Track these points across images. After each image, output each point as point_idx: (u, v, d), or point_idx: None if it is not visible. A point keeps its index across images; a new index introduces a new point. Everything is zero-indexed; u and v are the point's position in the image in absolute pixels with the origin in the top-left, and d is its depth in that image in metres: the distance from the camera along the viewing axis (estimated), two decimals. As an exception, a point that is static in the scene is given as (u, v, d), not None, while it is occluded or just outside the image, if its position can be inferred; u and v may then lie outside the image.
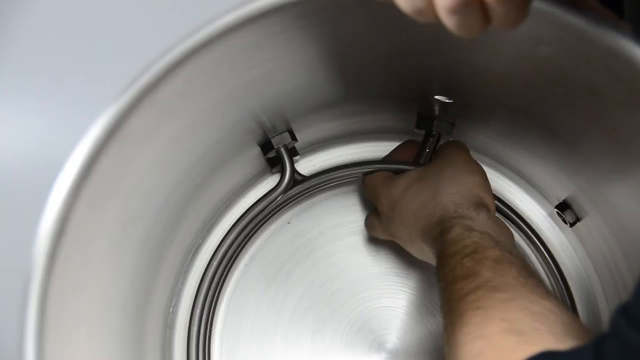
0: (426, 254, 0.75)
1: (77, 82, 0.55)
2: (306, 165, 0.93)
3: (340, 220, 0.95)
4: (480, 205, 0.71)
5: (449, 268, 0.65)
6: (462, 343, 0.57)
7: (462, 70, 0.70)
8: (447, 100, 0.78)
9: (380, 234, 0.87)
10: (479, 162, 0.80)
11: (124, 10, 0.57)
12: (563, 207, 0.89)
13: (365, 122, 0.89)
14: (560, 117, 0.68)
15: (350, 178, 0.91)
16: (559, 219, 0.91)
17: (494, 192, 0.82)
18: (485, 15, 0.47)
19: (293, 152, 0.88)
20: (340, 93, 0.76)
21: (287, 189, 0.86)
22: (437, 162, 0.79)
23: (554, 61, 0.59)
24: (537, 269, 0.92)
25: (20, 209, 0.54)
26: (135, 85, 0.51)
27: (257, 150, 0.84)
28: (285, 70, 0.65)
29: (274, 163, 0.89)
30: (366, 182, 0.87)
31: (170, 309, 0.89)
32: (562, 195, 0.88)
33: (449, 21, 0.47)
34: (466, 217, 0.69)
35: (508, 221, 0.90)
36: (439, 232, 0.69)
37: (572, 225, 0.89)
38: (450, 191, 0.73)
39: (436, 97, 0.78)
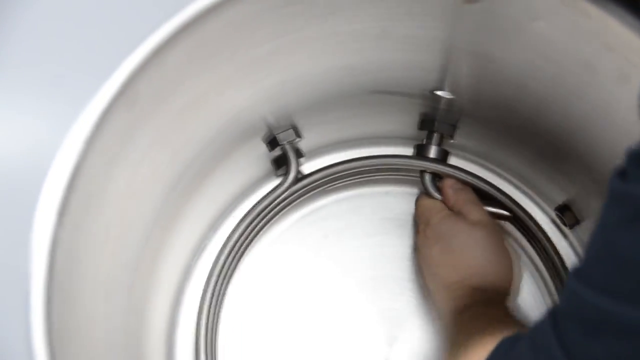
0: (436, 300, 0.85)
1: (77, 82, 0.55)
2: (310, 169, 0.94)
3: (345, 223, 0.96)
4: (497, 298, 0.79)
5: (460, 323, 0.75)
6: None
7: (461, 60, 0.72)
8: (447, 96, 0.80)
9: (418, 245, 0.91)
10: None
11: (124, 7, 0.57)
12: (563, 210, 0.90)
13: (368, 124, 0.90)
14: (552, 97, 0.70)
15: (352, 178, 0.93)
16: (562, 221, 0.91)
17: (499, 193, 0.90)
18: None
19: (299, 154, 0.89)
20: (340, 84, 0.78)
21: (291, 184, 0.88)
22: (485, 236, 0.83)
23: (548, 37, 0.61)
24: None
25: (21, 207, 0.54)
26: (142, 48, 0.53)
27: (262, 149, 0.86)
28: (287, 52, 0.68)
29: (279, 165, 0.90)
30: (418, 204, 0.90)
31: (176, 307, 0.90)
32: (560, 199, 0.90)
33: None
34: (482, 302, 0.77)
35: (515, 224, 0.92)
36: (459, 301, 0.78)
37: (571, 227, 0.90)
38: (485, 275, 0.81)
39: (436, 92, 0.80)
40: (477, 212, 0.85)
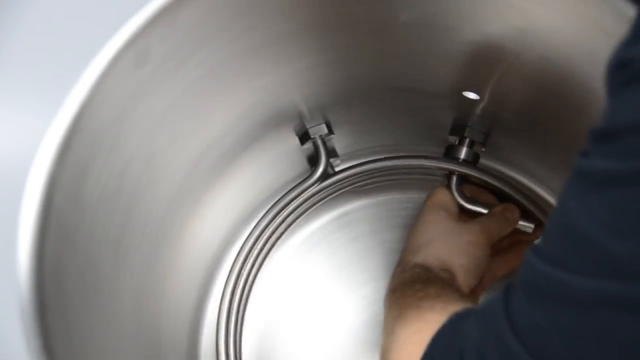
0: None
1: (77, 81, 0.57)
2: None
3: (374, 227, 0.98)
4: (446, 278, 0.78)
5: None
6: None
7: (475, 58, 0.73)
8: (474, 97, 0.81)
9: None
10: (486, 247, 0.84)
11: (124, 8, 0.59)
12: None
13: (399, 127, 0.92)
14: (560, 89, 0.70)
15: (380, 179, 0.95)
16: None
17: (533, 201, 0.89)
18: None
19: (331, 153, 0.91)
20: (369, 77, 0.80)
21: (319, 179, 0.90)
22: (455, 226, 0.83)
23: (551, 26, 0.62)
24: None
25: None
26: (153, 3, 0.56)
27: (294, 142, 0.88)
28: (311, 34, 0.70)
29: (313, 163, 0.92)
30: (433, 191, 0.89)
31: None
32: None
33: None
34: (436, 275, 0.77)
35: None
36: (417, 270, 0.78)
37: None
38: (447, 257, 0.80)
39: (464, 93, 0.81)
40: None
